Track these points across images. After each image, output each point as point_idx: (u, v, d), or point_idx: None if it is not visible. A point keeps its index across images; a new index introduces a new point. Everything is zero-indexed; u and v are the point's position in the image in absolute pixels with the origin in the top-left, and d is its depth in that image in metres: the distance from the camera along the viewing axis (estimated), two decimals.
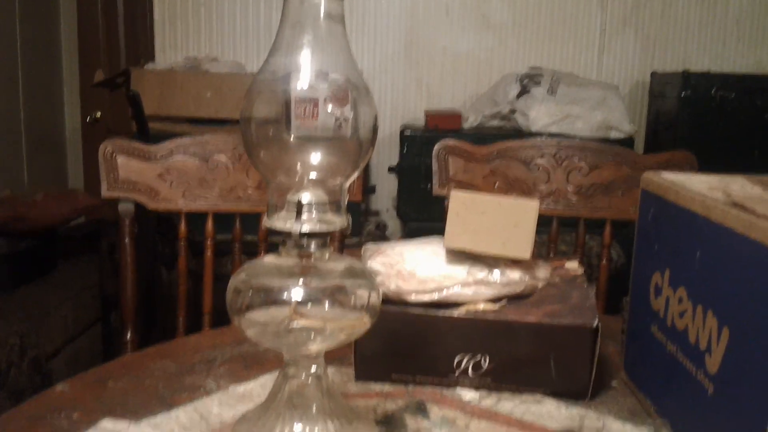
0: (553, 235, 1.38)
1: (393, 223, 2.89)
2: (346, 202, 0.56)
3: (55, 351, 2.05)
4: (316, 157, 0.55)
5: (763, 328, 0.48)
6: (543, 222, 0.81)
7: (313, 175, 0.55)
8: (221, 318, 1.28)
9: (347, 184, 0.56)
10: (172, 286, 1.91)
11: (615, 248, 1.87)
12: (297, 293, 0.54)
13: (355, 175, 0.56)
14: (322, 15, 0.54)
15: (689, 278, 0.60)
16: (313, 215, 0.54)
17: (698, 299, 0.58)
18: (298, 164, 0.55)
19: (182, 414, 0.68)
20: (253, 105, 0.54)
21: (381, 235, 2.68)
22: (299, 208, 0.54)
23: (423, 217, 2.48)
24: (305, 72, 0.54)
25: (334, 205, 0.55)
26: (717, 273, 0.55)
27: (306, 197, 0.54)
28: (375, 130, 0.56)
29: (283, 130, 0.55)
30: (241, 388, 0.74)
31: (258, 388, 0.73)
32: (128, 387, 0.74)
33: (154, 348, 0.86)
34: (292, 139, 0.55)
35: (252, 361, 0.81)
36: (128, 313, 1.22)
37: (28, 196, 2.15)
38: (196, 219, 1.30)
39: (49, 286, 2.14)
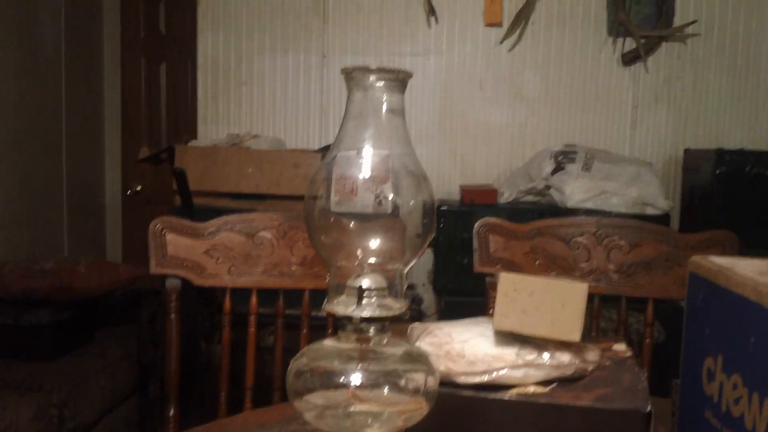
0: (595, 312, 1.38)
1: (428, 296, 2.89)
2: (404, 287, 0.57)
3: (94, 421, 2.06)
4: (375, 242, 0.57)
5: None
6: None
7: (372, 259, 0.57)
8: (260, 392, 1.29)
9: (406, 270, 0.58)
10: (210, 359, 1.92)
11: (655, 325, 1.85)
12: (356, 378, 0.55)
13: (414, 261, 0.58)
14: (384, 109, 0.56)
15: (744, 365, 0.60)
16: (373, 300, 0.55)
17: (754, 386, 0.57)
18: (359, 249, 0.56)
19: None
20: (317, 190, 0.57)
21: (417, 309, 2.68)
22: (360, 293, 0.55)
23: (459, 291, 2.48)
24: (350, 152, 0.57)
25: (393, 290, 0.57)
26: None
27: (366, 282, 0.56)
28: (432, 215, 0.58)
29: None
30: None
31: None
32: None
33: (203, 427, 0.87)
34: (351, 225, 0.57)
35: None
36: (172, 388, 1.23)
37: (71, 266, 2.20)
38: (236, 292, 1.32)
39: (87, 356, 2.16)
